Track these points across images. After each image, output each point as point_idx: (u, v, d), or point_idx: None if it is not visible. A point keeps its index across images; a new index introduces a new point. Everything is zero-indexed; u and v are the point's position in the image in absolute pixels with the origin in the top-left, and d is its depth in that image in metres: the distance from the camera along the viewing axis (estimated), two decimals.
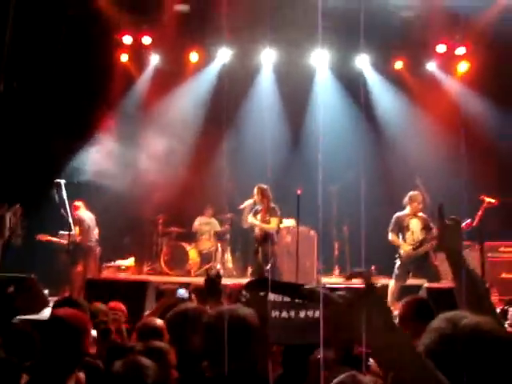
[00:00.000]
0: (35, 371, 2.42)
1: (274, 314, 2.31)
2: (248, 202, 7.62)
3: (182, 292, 4.15)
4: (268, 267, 7.42)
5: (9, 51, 8.23)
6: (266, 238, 7.63)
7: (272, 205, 7.73)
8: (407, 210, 7.49)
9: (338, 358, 2.56)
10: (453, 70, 10.30)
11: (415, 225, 7.42)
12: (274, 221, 7.60)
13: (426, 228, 7.39)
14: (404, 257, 7.30)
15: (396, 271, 7.36)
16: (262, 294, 2.45)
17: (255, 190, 7.66)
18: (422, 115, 10.01)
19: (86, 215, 8.29)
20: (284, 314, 2.39)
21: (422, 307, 3.49)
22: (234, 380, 1.58)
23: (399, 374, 1.12)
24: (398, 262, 7.38)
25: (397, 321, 3.34)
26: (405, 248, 7.30)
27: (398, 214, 7.52)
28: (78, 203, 8.31)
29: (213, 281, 3.73)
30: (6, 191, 8.01)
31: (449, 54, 10.04)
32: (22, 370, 2.64)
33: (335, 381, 2.21)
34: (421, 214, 7.50)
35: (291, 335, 2.39)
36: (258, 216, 7.67)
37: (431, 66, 10.39)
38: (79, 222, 8.06)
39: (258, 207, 7.67)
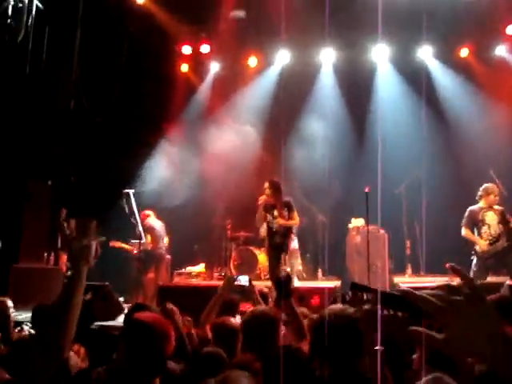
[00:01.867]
0: (117, 376, 2.45)
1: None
2: (262, 198, 7.35)
3: (243, 278, 4.00)
4: (284, 267, 7.23)
5: (77, 71, 8.62)
6: (286, 234, 7.40)
7: (286, 198, 7.50)
8: (481, 204, 7.12)
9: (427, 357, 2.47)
10: None
11: (491, 218, 7.01)
12: (295, 216, 7.38)
13: (503, 221, 6.99)
14: (481, 253, 6.93)
15: (474, 268, 6.99)
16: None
17: (266, 184, 7.36)
18: (493, 104, 9.50)
19: (157, 223, 8.49)
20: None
21: (507, 305, 3.29)
22: (346, 379, 1.54)
23: None
24: (474, 259, 7.02)
25: None
26: (481, 243, 6.93)
27: (472, 207, 7.15)
28: (149, 212, 8.53)
29: (284, 283, 3.67)
30: (79, 205, 8.37)
31: None
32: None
33: (421, 382, 2.11)
34: (497, 206, 7.11)
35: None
36: (274, 212, 7.44)
37: (501, 50, 9.82)
38: (150, 229, 8.26)
39: (270, 203, 7.31)
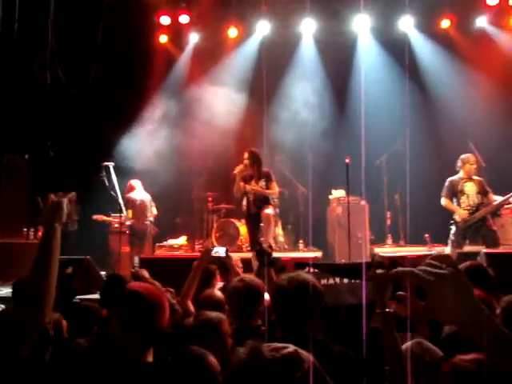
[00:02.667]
0: (108, 348, 2.43)
1: (323, 281, 2.43)
2: (240, 168, 7.39)
3: (220, 250, 4.03)
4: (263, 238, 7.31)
5: (52, 43, 8.39)
6: (263, 203, 7.44)
7: (265, 169, 7.53)
8: (460, 174, 7.20)
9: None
10: (506, 24, 9.66)
11: (470, 188, 7.11)
12: (274, 186, 7.42)
13: (482, 191, 7.09)
14: (460, 222, 7.03)
15: (452, 237, 7.12)
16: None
17: (245, 155, 7.39)
18: (473, 75, 9.52)
19: (140, 196, 8.39)
20: (331, 281, 2.51)
21: (478, 273, 3.34)
22: (301, 341, 1.59)
23: (492, 355, 1.13)
24: (453, 228, 7.13)
25: None
26: (460, 213, 7.03)
27: (451, 178, 7.24)
28: (135, 183, 8.40)
29: (265, 253, 3.69)
30: (57, 177, 8.26)
31: (501, 5, 9.43)
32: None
33: (403, 346, 2.16)
34: (475, 177, 7.20)
35: (341, 297, 2.53)
36: (252, 181, 7.39)
37: (481, 22, 9.78)
38: (130, 203, 8.19)
39: (248, 173, 7.37)
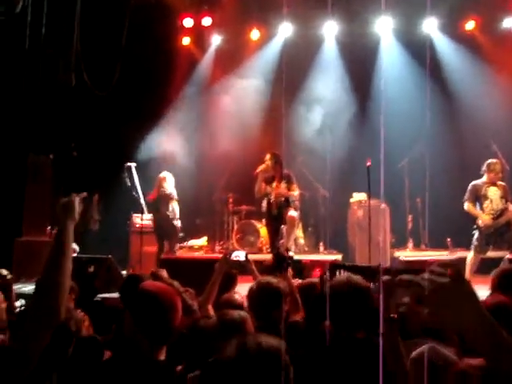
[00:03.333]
0: (123, 346, 2.47)
1: None
2: (261, 168, 7.41)
3: (240, 254, 4.03)
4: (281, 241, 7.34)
5: (77, 45, 8.53)
6: (284, 205, 7.44)
7: (285, 171, 7.53)
8: (484, 178, 7.10)
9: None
10: None
11: (494, 193, 7.01)
12: (295, 188, 7.42)
13: (505, 196, 6.99)
14: (483, 227, 6.93)
15: (475, 242, 7.02)
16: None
17: (267, 156, 7.48)
18: (498, 78, 9.39)
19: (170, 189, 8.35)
20: None
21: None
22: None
23: (492, 361, 1.16)
24: (476, 233, 7.03)
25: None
26: (483, 218, 6.93)
27: (475, 182, 7.14)
28: (166, 174, 8.28)
29: (281, 256, 3.70)
30: (80, 177, 8.39)
31: None
32: (104, 347, 2.73)
33: (415, 353, 2.17)
34: (500, 182, 7.10)
35: None
36: (273, 184, 7.43)
37: (508, 23, 9.58)
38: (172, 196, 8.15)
39: (271, 174, 7.44)
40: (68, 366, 2.00)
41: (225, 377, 1.53)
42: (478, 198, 7.07)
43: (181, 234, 8.48)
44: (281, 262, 3.70)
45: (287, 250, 4.70)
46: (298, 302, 3.43)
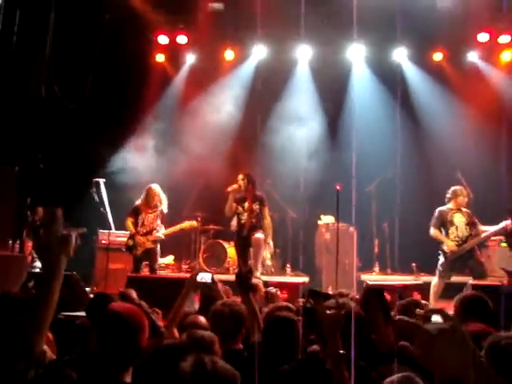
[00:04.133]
0: (87, 367, 2.41)
1: None
2: (233, 187, 7.44)
3: (206, 276, 3.98)
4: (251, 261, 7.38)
5: (49, 57, 8.43)
6: (254, 227, 7.48)
7: (258, 193, 7.57)
8: (450, 205, 7.27)
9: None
10: (496, 60, 9.91)
11: (459, 220, 7.16)
12: (266, 211, 7.56)
13: (470, 223, 7.16)
14: (448, 253, 7.07)
15: (440, 268, 7.15)
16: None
17: (240, 176, 7.51)
18: (463, 108, 9.71)
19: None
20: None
21: (479, 305, 3.37)
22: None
23: None
24: (441, 259, 7.16)
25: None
26: (449, 244, 7.07)
27: (441, 208, 7.29)
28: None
29: (244, 277, 3.70)
30: (46, 191, 8.21)
31: (491, 42, 9.67)
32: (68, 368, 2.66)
33: (387, 380, 2.17)
34: (464, 209, 7.27)
35: None
36: (245, 204, 7.48)
37: (472, 57, 10.03)
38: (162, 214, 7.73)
39: (242, 195, 7.48)
40: None
41: None
42: (444, 223, 7.21)
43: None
44: (243, 282, 3.69)
45: (249, 270, 4.70)
46: (259, 324, 3.42)
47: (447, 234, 7.16)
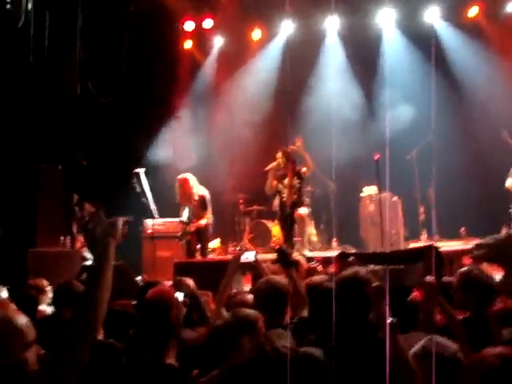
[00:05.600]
0: (132, 351, 2.49)
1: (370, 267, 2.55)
2: (272, 165, 7.40)
3: (249, 255, 4.06)
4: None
5: (80, 55, 8.59)
6: (297, 204, 7.41)
7: (297, 168, 7.51)
8: None
9: None
10: None
11: None
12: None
13: None
14: None
15: None
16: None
17: (278, 154, 7.50)
18: (504, 64, 9.28)
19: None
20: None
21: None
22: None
23: None
24: None
25: None
26: None
27: None
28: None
29: (284, 253, 3.71)
30: (91, 186, 8.43)
31: None
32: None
33: (416, 348, 2.14)
34: None
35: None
36: (285, 181, 7.42)
37: (511, 7, 9.44)
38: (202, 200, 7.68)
39: (282, 172, 7.48)
40: (85, 371, 2.03)
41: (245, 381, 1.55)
42: None
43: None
44: (283, 258, 3.71)
45: (291, 247, 4.75)
46: (304, 299, 3.43)
47: None
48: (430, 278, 2.63)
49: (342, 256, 3.39)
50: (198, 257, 7.60)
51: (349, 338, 2.51)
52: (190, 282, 3.86)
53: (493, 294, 3.11)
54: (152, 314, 2.34)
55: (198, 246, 7.68)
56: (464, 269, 3.48)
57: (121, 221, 2.24)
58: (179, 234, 7.72)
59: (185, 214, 7.67)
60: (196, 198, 7.56)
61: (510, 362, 1.61)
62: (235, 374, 1.57)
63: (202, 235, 7.66)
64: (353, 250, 8.32)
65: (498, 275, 3.86)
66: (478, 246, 4.96)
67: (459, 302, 3.05)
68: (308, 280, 3.68)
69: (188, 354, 2.68)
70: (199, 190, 7.61)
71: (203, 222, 7.57)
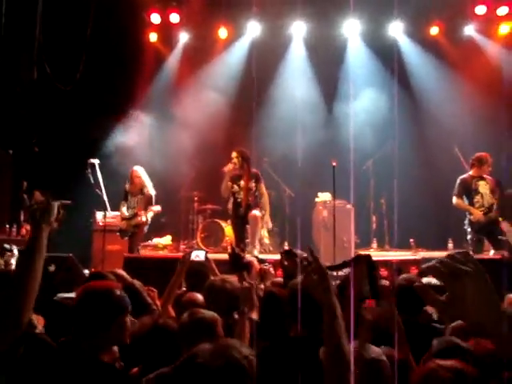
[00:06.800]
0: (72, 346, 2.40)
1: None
2: (229, 167, 7.34)
3: (199, 253, 4.04)
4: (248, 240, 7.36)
5: (40, 39, 8.33)
6: (251, 205, 7.42)
7: (253, 170, 7.49)
8: (471, 172, 7.01)
9: None
10: (493, 33, 9.77)
11: (484, 187, 6.91)
12: (263, 187, 7.48)
13: (493, 191, 6.89)
14: (475, 223, 6.81)
15: (469, 240, 6.92)
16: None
17: (233, 154, 7.36)
18: (461, 82, 9.61)
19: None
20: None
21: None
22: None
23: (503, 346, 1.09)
24: (468, 229, 6.93)
25: None
26: (476, 213, 6.79)
27: (462, 176, 7.04)
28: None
29: (236, 255, 3.70)
30: (42, 174, 8.17)
31: (489, 15, 9.52)
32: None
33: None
34: (487, 176, 7.02)
35: None
36: (241, 183, 7.40)
37: (469, 30, 9.87)
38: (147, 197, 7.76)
39: (237, 173, 7.36)
40: (18, 367, 1.93)
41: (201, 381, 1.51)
42: (468, 192, 6.95)
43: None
44: (236, 261, 3.69)
45: (242, 249, 4.74)
46: (254, 302, 3.42)
47: (471, 203, 6.91)
48: (385, 282, 2.66)
49: (288, 253, 3.38)
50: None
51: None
52: (123, 273, 3.80)
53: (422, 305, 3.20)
54: (85, 307, 2.21)
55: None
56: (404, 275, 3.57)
57: (55, 205, 2.11)
58: (119, 228, 7.79)
59: (124, 209, 7.73)
60: (145, 192, 7.68)
61: (464, 376, 1.64)
62: (194, 377, 1.53)
63: (138, 230, 7.71)
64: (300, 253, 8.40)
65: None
66: (426, 262, 5.05)
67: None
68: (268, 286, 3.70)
69: (129, 346, 2.58)
70: (149, 187, 7.73)
71: (143, 218, 7.62)
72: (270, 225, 8.07)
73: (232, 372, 1.52)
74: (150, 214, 7.74)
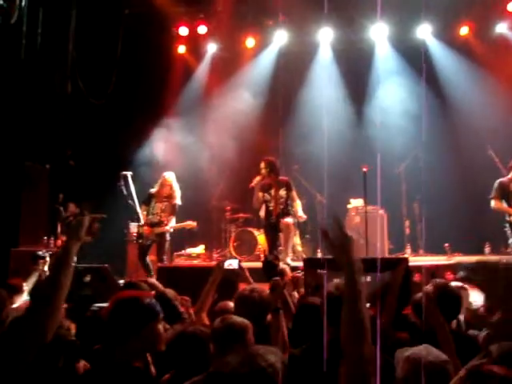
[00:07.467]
0: (105, 352, 2.44)
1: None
2: (257, 180, 7.34)
3: (233, 262, 4.05)
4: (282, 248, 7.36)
5: (73, 54, 8.57)
6: (283, 213, 7.41)
7: (282, 178, 7.50)
8: (510, 175, 7.06)
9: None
10: None
11: None
12: (295, 195, 7.46)
13: None
14: None
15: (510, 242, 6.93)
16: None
17: (262, 164, 7.38)
18: (493, 82, 9.39)
19: None
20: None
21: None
22: None
23: None
24: (508, 231, 6.96)
25: None
26: None
27: (501, 179, 7.10)
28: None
29: (270, 263, 3.71)
30: (77, 187, 8.36)
31: None
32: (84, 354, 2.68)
33: (408, 353, 2.14)
34: None
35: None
36: (271, 191, 7.39)
37: (502, 28, 9.60)
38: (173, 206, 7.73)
39: (266, 182, 7.37)
40: (59, 376, 1.98)
41: None
42: (507, 195, 7.00)
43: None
44: (269, 270, 3.70)
45: (276, 257, 4.75)
46: (290, 309, 3.42)
47: (510, 205, 6.95)
48: (429, 289, 2.62)
49: (309, 261, 3.38)
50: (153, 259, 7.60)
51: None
52: (154, 281, 3.84)
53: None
54: (116, 315, 2.25)
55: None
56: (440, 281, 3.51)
57: (87, 219, 2.15)
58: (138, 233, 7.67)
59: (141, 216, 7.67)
60: (172, 201, 7.64)
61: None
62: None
63: (162, 239, 7.65)
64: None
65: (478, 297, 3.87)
66: (462, 267, 4.97)
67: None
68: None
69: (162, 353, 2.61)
70: (178, 196, 7.69)
71: (169, 228, 7.61)
72: (304, 216, 7.94)
73: (256, 379, 1.54)
74: (173, 223, 7.67)
